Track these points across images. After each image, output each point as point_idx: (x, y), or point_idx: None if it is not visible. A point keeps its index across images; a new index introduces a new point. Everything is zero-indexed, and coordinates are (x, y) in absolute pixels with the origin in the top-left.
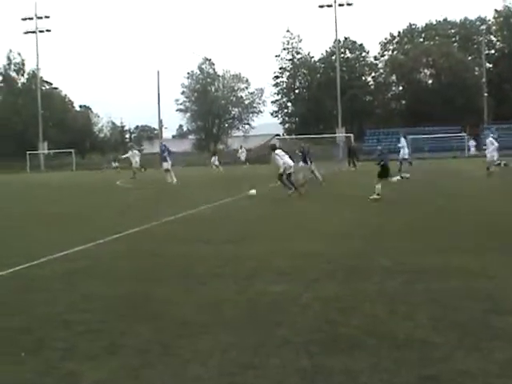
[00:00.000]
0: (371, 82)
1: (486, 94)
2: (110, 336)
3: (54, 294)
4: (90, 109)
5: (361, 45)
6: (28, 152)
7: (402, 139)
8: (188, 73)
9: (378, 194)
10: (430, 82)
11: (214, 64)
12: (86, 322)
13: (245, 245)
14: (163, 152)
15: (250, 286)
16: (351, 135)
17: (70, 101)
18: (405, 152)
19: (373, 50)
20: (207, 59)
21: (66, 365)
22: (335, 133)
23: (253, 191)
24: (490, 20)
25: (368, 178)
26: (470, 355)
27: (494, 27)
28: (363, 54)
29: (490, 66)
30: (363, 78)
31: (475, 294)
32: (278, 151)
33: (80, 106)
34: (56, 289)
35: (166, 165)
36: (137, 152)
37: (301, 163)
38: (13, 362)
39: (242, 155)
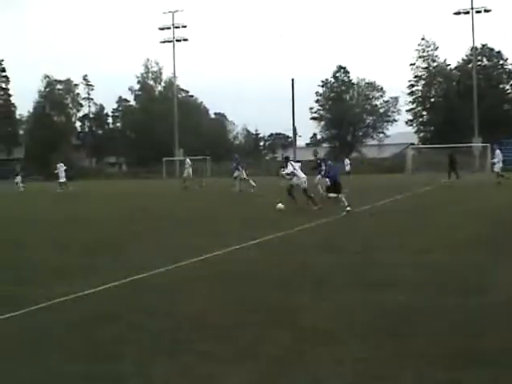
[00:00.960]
0: (510, 90)
1: None
2: (246, 341)
3: (192, 297)
4: (225, 116)
5: (498, 52)
6: (164, 158)
7: (497, 151)
8: (322, 81)
9: (348, 206)
10: None
11: (348, 72)
12: (223, 325)
13: (373, 254)
14: (234, 162)
15: (381, 296)
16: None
17: (205, 108)
18: (499, 166)
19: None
20: (342, 67)
21: (202, 367)
22: (471, 142)
23: (280, 205)
24: None
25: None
26: None
27: None
28: (501, 61)
29: None
30: (501, 86)
31: None
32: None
33: (215, 114)
34: (195, 292)
35: (237, 173)
36: (189, 161)
37: (318, 177)
38: (152, 361)
39: (347, 167)
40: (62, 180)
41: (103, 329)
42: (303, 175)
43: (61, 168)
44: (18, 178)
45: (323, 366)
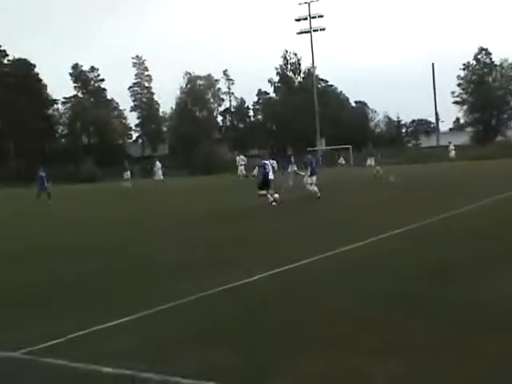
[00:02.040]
0: None
1: None
2: (391, 333)
3: (337, 289)
4: (366, 104)
5: None
6: (307, 149)
7: None
8: (464, 64)
9: (274, 201)
10: None
11: (490, 54)
12: (368, 317)
13: None
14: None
15: None
16: None
17: (345, 97)
18: None
19: None
20: (483, 49)
21: (352, 360)
22: None
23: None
24: None
25: None
26: None
27: None
28: None
29: None
30: None
31: None
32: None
33: (355, 102)
34: (338, 283)
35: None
36: (242, 157)
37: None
38: (300, 354)
39: (452, 152)
40: (159, 177)
41: (251, 320)
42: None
43: (157, 166)
44: (127, 175)
45: (467, 359)
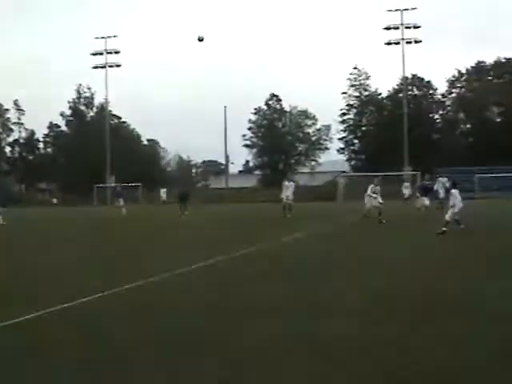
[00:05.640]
0: (439, 120)
1: None
2: None
3: None
4: (158, 143)
5: (428, 82)
6: (96, 185)
7: None
8: (255, 108)
9: None
10: (499, 120)
11: (281, 100)
12: None
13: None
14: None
15: None
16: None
17: (137, 134)
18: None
19: (441, 87)
20: (274, 95)
21: None
22: (402, 171)
23: None
24: None
25: None
26: None
27: None
28: (431, 91)
29: None
30: (431, 116)
31: None
32: None
33: (148, 140)
34: None
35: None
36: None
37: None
38: None
39: (407, 191)
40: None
41: None
42: None
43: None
44: None
45: None
